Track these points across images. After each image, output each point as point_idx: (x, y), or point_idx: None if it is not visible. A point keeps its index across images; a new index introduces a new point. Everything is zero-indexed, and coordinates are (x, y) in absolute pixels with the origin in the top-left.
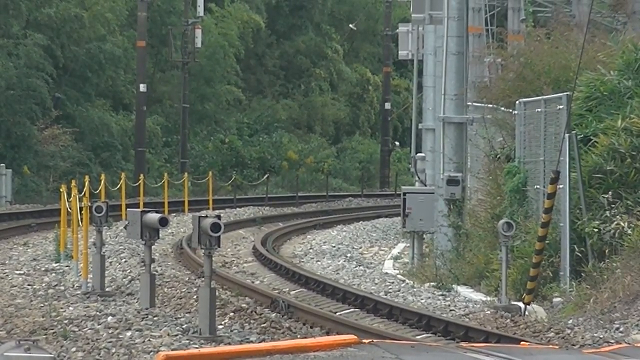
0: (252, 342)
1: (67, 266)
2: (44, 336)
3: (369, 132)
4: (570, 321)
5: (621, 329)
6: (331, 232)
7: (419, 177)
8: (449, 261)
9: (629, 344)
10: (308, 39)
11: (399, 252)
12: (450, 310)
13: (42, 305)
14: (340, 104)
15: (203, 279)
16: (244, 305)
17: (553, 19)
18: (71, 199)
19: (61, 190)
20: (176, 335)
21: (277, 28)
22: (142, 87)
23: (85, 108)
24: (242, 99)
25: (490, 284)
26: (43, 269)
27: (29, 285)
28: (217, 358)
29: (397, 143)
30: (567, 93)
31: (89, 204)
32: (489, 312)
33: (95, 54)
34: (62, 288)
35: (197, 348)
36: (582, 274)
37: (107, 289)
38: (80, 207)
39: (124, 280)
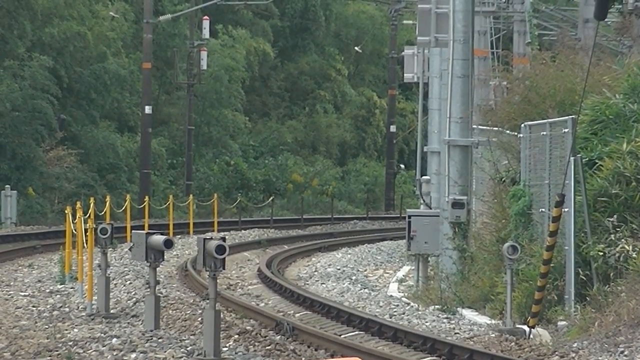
0: None
1: (71, 288)
2: (49, 358)
3: (375, 155)
4: (575, 344)
5: (626, 353)
6: (336, 255)
7: (424, 200)
8: (454, 284)
9: None
10: (312, 60)
11: (404, 275)
12: (455, 333)
13: (46, 326)
14: (345, 124)
15: (208, 301)
16: (248, 327)
17: (558, 42)
18: (76, 220)
19: (66, 211)
20: (181, 358)
21: (281, 50)
22: (148, 109)
23: (90, 129)
24: (246, 126)
25: (495, 307)
26: (48, 290)
27: (33, 306)
28: None
29: (402, 166)
30: (573, 116)
31: (94, 225)
32: (493, 335)
33: (100, 75)
34: (67, 310)
35: None
36: (587, 297)
37: (111, 311)
38: (85, 229)
39: (128, 302)
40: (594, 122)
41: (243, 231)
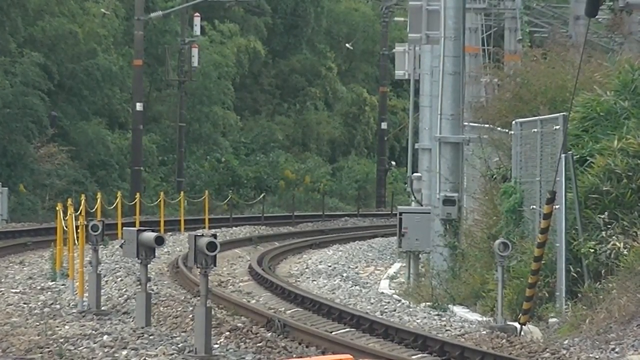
0: None
1: (63, 285)
2: (40, 355)
3: (365, 152)
4: (566, 342)
5: (617, 350)
6: (327, 252)
7: (415, 197)
8: (445, 281)
9: None
10: (303, 57)
11: (395, 272)
12: (446, 330)
13: (37, 323)
14: (335, 122)
15: (199, 298)
16: (239, 324)
17: (550, 40)
18: (67, 217)
19: (57, 208)
20: (172, 355)
21: (272, 47)
22: (139, 106)
23: (81, 125)
24: (237, 124)
25: (486, 304)
26: (39, 287)
27: (24, 303)
28: None
29: (393, 163)
30: (564, 113)
31: (85, 222)
32: (484, 332)
33: (91, 71)
34: (58, 307)
35: None
36: (578, 294)
37: (102, 308)
38: (76, 226)
39: (119, 299)
40: (585, 119)
41: (234, 228)
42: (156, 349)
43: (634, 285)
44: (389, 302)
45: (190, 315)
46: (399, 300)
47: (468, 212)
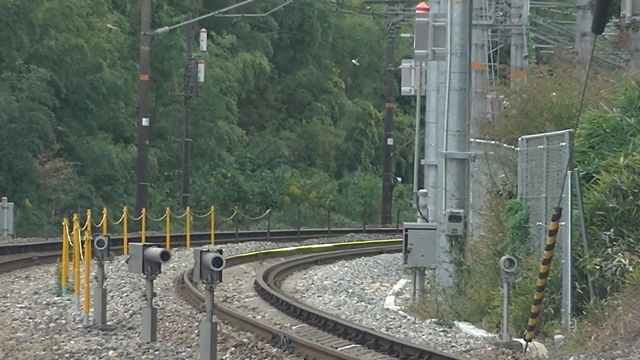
0: None
1: (68, 300)
2: None
3: (370, 167)
4: (572, 358)
5: None
6: (333, 268)
7: (420, 213)
8: (451, 297)
9: None
10: (309, 72)
11: (400, 288)
12: (452, 347)
13: (43, 338)
14: (338, 130)
15: (204, 313)
16: (245, 340)
17: (556, 56)
18: (73, 232)
19: (63, 223)
20: None
21: (278, 62)
22: (145, 122)
23: (87, 140)
24: (242, 139)
25: (492, 320)
26: (44, 302)
27: (30, 318)
28: None
29: (398, 179)
30: (570, 130)
31: (91, 237)
32: (490, 348)
33: (97, 85)
34: (64, 322)
35: None
36: (584, 311)
37: (108, 323)
38: (81, 241)
39: (125, 314)
40: (591, 136)
41: (240, 244)
42: None
43: None
44: (394, 318)
45: (196, 331)
46: (405, 316)
47: (474, 228)
